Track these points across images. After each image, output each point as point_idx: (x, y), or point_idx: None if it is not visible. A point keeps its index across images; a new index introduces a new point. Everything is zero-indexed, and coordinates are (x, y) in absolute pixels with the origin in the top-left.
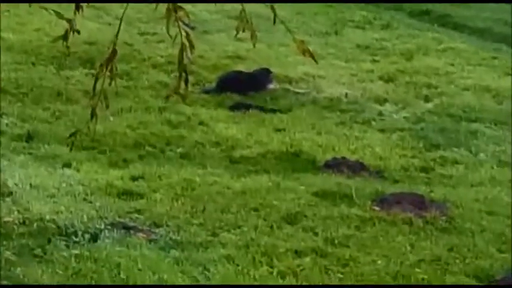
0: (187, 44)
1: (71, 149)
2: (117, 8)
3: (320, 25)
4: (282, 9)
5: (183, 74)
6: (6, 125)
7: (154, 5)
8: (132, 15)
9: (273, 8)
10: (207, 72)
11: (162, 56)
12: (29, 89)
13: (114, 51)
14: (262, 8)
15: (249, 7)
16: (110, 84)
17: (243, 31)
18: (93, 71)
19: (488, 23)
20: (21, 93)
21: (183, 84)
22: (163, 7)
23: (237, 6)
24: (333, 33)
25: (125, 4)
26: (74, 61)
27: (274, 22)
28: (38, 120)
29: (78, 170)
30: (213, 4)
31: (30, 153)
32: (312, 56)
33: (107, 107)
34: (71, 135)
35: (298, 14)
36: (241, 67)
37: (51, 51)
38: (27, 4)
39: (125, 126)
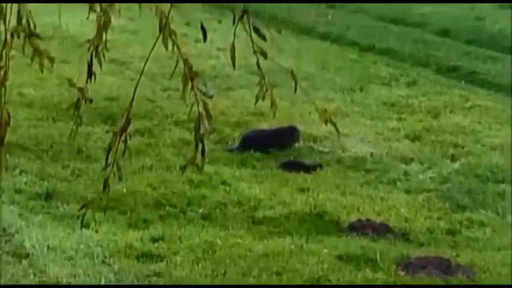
0: (204, 113)
1: (81, 223)
2: (138, 63)
3: (345, 81)
4: (306, 64)
5: (200, 144)
6: (25, 183)
7: (177, 59)
8: (155, 70)
9: (293, 75)
10: (229, 130)
11: (184, 113)
12: (48, 145)
13: (128, 120)
14: (285, 63)
15: (270, 63)
16: (123, 154)
17: (263, 99)
18: (114, 128)
19: None
20: (40, 150)
21: (199, 155)
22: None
23: (262, 62)
24: (358, 90)
25: (145, 59)
26: (94, 117)
27: (295, 91)
28: (57, 178)
29: (97, 231)
30: (237, 59)
31: (48, 213)
32: (335, 125)
33: (120, 179)
34: (82, 207)
35: (322, 70)
36: (264, 124)
37: (72, 107)
38: (44, 55)
39: (146, 185)
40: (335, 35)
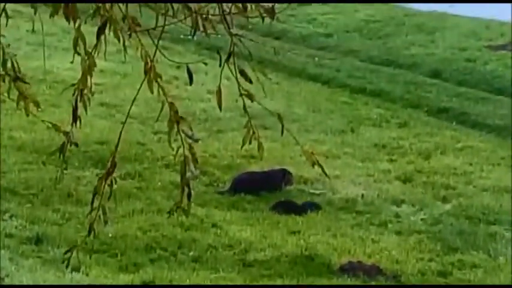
0: (190, 157)
1: (67, 266)
2: (128, 106)
3: (336, 123)
4: (297, 106)
5: (186, 189)
6: (15, 227)
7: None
8: (145, 113)
9: (280, 118)
10: (220, 172)
11: (173, 155)
12: (39, 189)
13: (114, 165)
14: (276, 105)
15: (258, 108)
16: (109, 198)
17: (250, 143)
18: (104, 172)
19: (506, 120)
20: (31, 194)
21: (186, 199)
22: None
23: (253, 105)
24: (349, 131)
25: (137, 102)
26: (85, 161)
27: (282, 133)
28: (48, 222)
29: (87, 275)
30: (228, 101)
31: (39, 257)
32: (322, 168)
33: (106, 223)
34: (66, 252)
35: (314, 112)
36: (255, 167)
37: (58, 151)
38: (38, 101)
39: (136, 229)
40: (326, 77)
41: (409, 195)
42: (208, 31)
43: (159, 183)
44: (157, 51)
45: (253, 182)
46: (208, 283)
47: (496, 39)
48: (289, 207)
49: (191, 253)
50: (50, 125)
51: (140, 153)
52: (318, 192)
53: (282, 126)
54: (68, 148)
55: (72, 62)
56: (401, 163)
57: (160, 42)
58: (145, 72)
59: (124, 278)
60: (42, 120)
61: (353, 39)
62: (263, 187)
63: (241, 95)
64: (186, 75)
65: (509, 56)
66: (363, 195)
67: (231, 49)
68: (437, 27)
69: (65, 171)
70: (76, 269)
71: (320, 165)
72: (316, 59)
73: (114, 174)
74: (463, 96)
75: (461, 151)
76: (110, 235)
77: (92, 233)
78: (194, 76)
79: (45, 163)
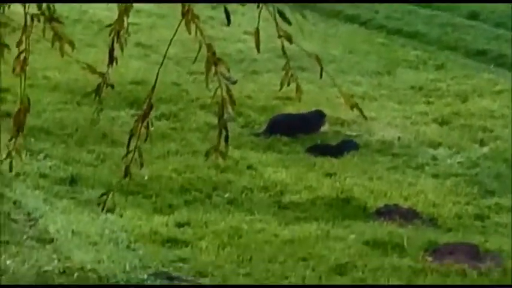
0: (227, 99)
1: (102, 209)
2: (165, 47)
3: (372, 64)
4: (334, 48)
5: (223, 131)
6: (50, 168)
7: (201, 44)
8: (181, 54)
9: (318, 60)
10: (256, 114)
11: (210, 97)
12: (73, 130)
13: (150, 107)
14: (312, 46)
15: (294, 49)
16: (145, 140)
17: (288, 85)
18: (139, 112)
19: None
20: (65, 135)
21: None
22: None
23: (290, 46)
24: (385, 74)
25: (172, 43)
26: (119, 102)
27: (321, 76)
28: (82, 163)
29: (121, 216)
30: (264, 42)
31: (73, 198)
32: (360, 111)
33: (141, 165)
34: (102, 195)
35: (350, 53)
36: (290, 108)
37: (94, 92)
38: (73, 41)
39: (171, 170)
40: (363, 18)
41: (446, 138)
42: None
43: (194, 124)
44: None
45: (289, 124)
46: (243, 225)
47: None
48: (325, 150)
49: (226, 195)
50: (86, 66)
51: (175, 94)
52: (354, 134)
53: (321, 68)
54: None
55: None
56: (438, 105)
57: None
58: (183, 14)
59: (158, 220)
60: (77, 61)
61: None
62: (299, 129)
63: (279, 36)
64: (222, 15)
65: None
66: (399, 138)
67: None
68: None
69: (100, 112)
70: (110, 211)
71: (359, 108)
72: None
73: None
74: (501, 38)
75: (498, 94)
76: (146, 177)
77: (128, 175)
78: (231, 17)
79: (79, 103)
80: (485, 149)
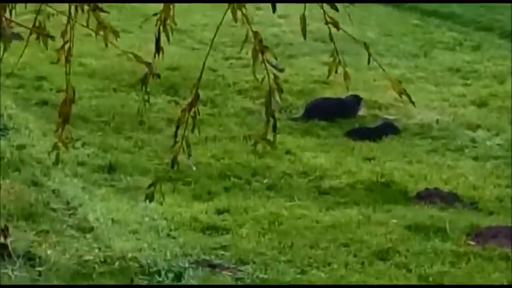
0: (275, 87)
1: (150, 201)
2: (199, 32)
3: (409, 46)
4: (369, 30)
5: (271, 120)
6: (88, 155)
7: (238, 27)
8: (216, 39)
9: (366, 47)
10: (293, 98)
11: (247, 82)
12: (110, 117)
13: (197, 96)
14: (349, 29)
15: (333, 30)
16: (192, 130)
17: (336, 72)
18: (176, 98)
19: None
20: (102, 122)
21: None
22: (243, 30)
23: (323, 28)
24: (422, 55)
25: (207, 27)
26: (156, 87)
27: (369, 62)
28: (120, 150)
29: (161, 203)
30: (299, 26)
31: (111, 185)
32: (408, 96)
33: (189, 155)
34: (150, 186)
35: (386, 36)
36: (328, 92)
37: (134, 77)
38: (108, 29)
39: (209, 156)
40: None
41: (485, 120)
42: None
43: (232, 110)
44: None
45: (327, 108)
46: (284, 211)
47: None
48: (364, 133)
49: (265, 181)
50: (132, 56)
51: (212, 80)
52: (392, 117)
53: (369, 54)
54: (143, 73)
55: None
56: (475, 87)
57: None
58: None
59: (198, 206)
60: (123, 51)
61: None
62: (337, 113)
63: (326, 23)
64: None
65: None
66: (437, 121)
67: None
68: None
69: (136, 98)
70: (150, 198)
71: (407, 94)
72: None
73: (186, 101)
74: None
75: None
76: (194, 168)
77: (175, 165)
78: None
79: (116, 90)
80: None
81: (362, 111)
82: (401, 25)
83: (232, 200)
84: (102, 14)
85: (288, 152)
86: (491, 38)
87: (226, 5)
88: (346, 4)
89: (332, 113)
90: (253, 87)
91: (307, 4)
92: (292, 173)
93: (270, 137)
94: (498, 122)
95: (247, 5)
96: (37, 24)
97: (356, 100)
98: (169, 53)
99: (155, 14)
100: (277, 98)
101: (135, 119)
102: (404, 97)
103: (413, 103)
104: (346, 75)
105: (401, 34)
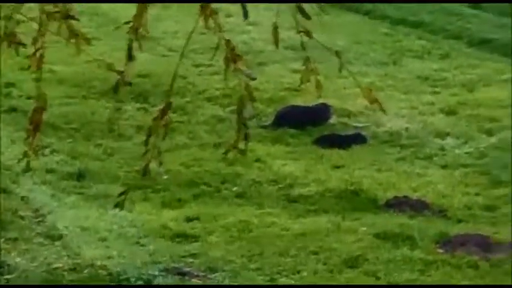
0: (247, 96)
1: (121, 209)
2: (170, 39)
3: (378, 55)
4: (339, 39)
5: (243, 128)
6: (57, 163)
7: (208, 34)
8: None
9: (338, 55)
10: (263, 106)
11: (217, 89)
12: (80, 124)
13: (169, 104)
14: (319, 38)
15: (298, 38)
16: (164, 138)
17: (308, 81)
18: (145, 106)
19: None
20: (72, 129)
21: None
22: (215, 37)
23: (293, 36)
24: (391, 64)
25: (178, 35)
26: (126, 95)
27: (340, 70)
28: (90, 157)
29: (130, 211)
30: (269, 34)
31: (81, 193)
32: (381, 105)
33: (160, 164)
34: (121, 194)
35: (356, 44)
36: (298, 100)
37: (104, 84)
38: (80, 36)
39: (179, 164)
40: (366, 8)
41: (454, 128)
42: None
43: (202, 117)
44: None
45: (297, 116)
46: (253, 219)
47: None
48: (333, 141)
49: (235, 188)
50: (102, 63)
51: (182, 87)
52: (361, 125)
53: (341, 62)
54: (113, 80)
55: None
56: (444, 95)
57: None
58: (202, 8)
59: (168, 214)
60: (94, 59)
61: None
62: (307, 121)
63: (299, 32)
64: (226, 6)
65: None
66: (407, 129)
67: None
68: None
69: (106, 105)
70: (120, 206)
71: (379, 103)
72: None
73: (156, 108)
74: (505, 27)
75: (505, 83)
76: (166, 177)
77: (147, 174)
78: (233, 8)
79: (86, 97)
80: (493, 139)
81: (332, 119)
82: (371, 33)
83: (202, 208)
84: (73, 22)
85: (257, 160)
86: (459, 46)
87: (197, 12)
88: (317, 12)
89: (302, 120)
90: (223, 94)
91: (275, 11)
92: (262, 180)
93: (241, 145)
94: (467, 130)
95: (219, 12)
96: (7, 31)
97: (326, 108)
98: (140, 60)
99: (127, 22)
100: (249, 106)
101: (104, 126)
102: (374, 105)
103: (384, 111)
104: (318, 84)
105: (371, 42)
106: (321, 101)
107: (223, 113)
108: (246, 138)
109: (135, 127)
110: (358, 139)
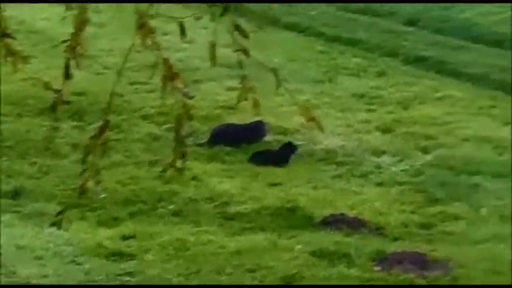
0: (184, 114)
1: (59, 228)
2: (106, 57)
3: (313, 72)
4: (274, 56)
5: (180, 146)
6: None
7: (143, 52)
8: (121, 64)
9: (276, 72)
10: (198, 123)
11: (153, 107)
12: (15, 142)
13: (106, 122)
14: (254, 55)
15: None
16: (101, 157)
17: (246, 99)
18: (81, 124)
19: (485, 69)
20: (6, 147)
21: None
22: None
23: (229, 53)
24: (326, 81)
25: (113, 53)
26: (62, 113)
27: (277, 87)
28: (25, 175)
29: (67, 229)
30: (205, 51)
31: (16, 211)
32: (318, 123)
33: (98, 183)
34: (59, 213)
35: (291, 62)
36: (233, 118)
37: (39, 102)
38: (26, 56)
39: (115, 182)
40: (301, 26)
41: (389, 146)
42: None
43: (137, 135)
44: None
45: (233, 134)
46: (190, 237)
47: None
48: (268, 158)
49: (171, 206)
50: (40, 82)
51: (118, 105)
52: (297, 143)
53: (278, 80)
54: (49, 99)
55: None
56: (380, 113)
57: None
58: (139, 27)
59: (104, 232)
60: (30, 77)
61: None
62: (242, 139)
63: (236, 50)
64: (161, 24)
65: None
66: (343, 146)
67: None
68: None
69: (41, 123)
70: (55, 224)
71: (317, 121)
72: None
73: (92, 126)
74: (440, 44)
75: (440, 100)
76: (104, 196)
77: (84, 193)
78: (169, 26)
79: (21, 115)
80: (428, 157)
81: (267, 137)
82: (306, 51)
83: (138, 226)
84: (10, 40)
85: (194, 178)
86: (395, 64)
87: (133, 30)
88: (253, 30)
89: (237, 138)
90: (159, 112)
91: (211, 29)
92: (198, 198)
93: (178, 163)
94: (403, 147)
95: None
96: None
97: (261, 125)
98: (76, 78)
99: (64, 41)
100: (186, 125)
101: (40, 144)
102: (310, 123)
103: (322, 129)
104: (256, 102)
105: (306, 60)
106: (256, 118)
107: (159, 131)
108: (184, 156)
109: (70, 145)
110: (290, 151)
